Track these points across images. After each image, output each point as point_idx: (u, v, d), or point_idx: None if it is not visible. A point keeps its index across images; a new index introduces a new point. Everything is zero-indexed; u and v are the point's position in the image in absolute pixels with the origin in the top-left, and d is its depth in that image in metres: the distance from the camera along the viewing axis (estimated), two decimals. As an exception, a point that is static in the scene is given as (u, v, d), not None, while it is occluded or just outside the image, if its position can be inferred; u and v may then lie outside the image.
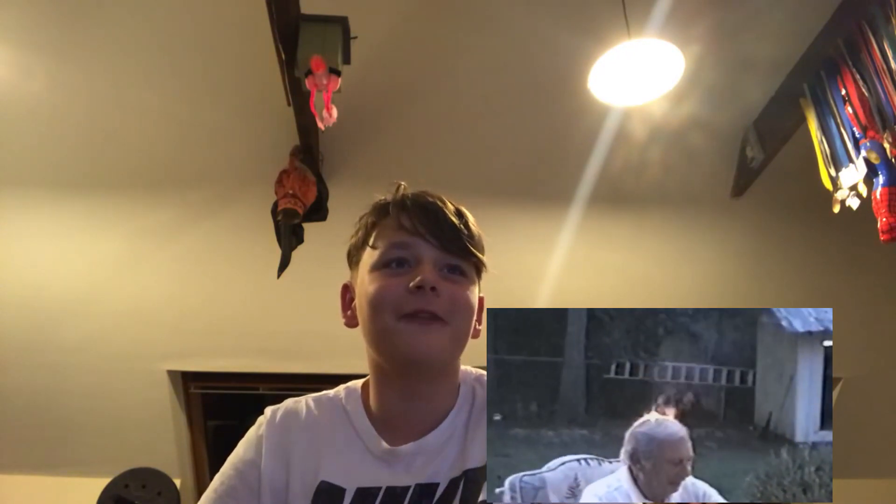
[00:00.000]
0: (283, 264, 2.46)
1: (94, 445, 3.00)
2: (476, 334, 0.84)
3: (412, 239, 0.79)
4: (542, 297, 2.91)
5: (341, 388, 0.87)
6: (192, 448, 3.20)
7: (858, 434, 3.32)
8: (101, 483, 2.83)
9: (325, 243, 2.70)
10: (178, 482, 2.97)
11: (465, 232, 0.80)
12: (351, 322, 0.85)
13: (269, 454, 0.80)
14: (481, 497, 0.73)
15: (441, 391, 0.82)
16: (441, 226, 0.79)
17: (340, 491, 0.75)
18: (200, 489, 3.22)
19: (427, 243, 0.78)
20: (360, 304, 0.81)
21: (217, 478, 0.81)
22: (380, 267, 0.79)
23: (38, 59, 2.29)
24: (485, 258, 0.83)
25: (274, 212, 2.47)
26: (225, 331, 2.93)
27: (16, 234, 2.76)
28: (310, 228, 2.54)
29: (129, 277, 2.84)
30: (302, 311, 2.87)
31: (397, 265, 0.78)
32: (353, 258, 0.86)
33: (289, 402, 0.86)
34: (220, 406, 3.38)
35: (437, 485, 0.75)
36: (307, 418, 0.83)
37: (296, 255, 2.50)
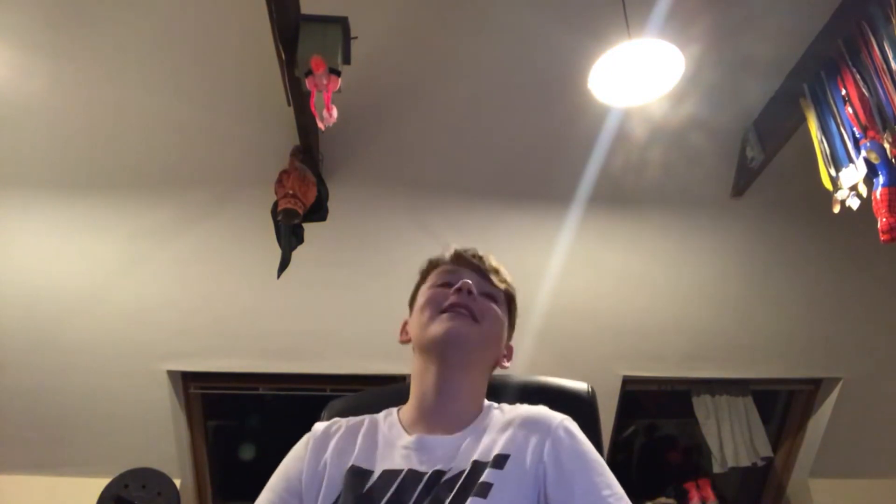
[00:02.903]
0: (283, 264, 2.46)
1: (94, 445, 3.00)
2: (502, 365, 1.07)
3: (458, 268, 1.07)
4: (542, 297, 2.90)
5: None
6: (192, 448, 3.19)
7: (858, 434, 3.32)
8: (101, 483, 2.83)
9: (325, 243, 2.70)
10: (178, 482, 2.97)
11: (502, 274, 1.09)
12: (404, 339, 1.08)
13: (310, 456, 0.95)
14: (482, 478, 0.85)
15: (466, 390, 0.99)
16: (482, 261, 1.09)
17: (368, 472, 0.90)
18: (200, 489, 3.23)
19: (469, 270, 1.07)
20: (413, 317, 1.06)
21: (268, 485, 0.96)
22: (432, 287, 1.06)
23: (38, 59, 2.29)
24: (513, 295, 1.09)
25: (274, 212, 2.47)
26: (225, 331, 2.93)
27: (16, 234, 2.76)
28: (310, 228, 2.54)
29: (129, 277, 2.83)
30: (302, 311, 2.87)
31: (445, 285, 1.03)
32: (412, 299, 1.11)
33: (335, 418, 1.04)
34: (220, 406, 3.38)
35: (448, 471, 0.89)
36: (346, 427, 1.00)
37: (296, 255, 2.50)
